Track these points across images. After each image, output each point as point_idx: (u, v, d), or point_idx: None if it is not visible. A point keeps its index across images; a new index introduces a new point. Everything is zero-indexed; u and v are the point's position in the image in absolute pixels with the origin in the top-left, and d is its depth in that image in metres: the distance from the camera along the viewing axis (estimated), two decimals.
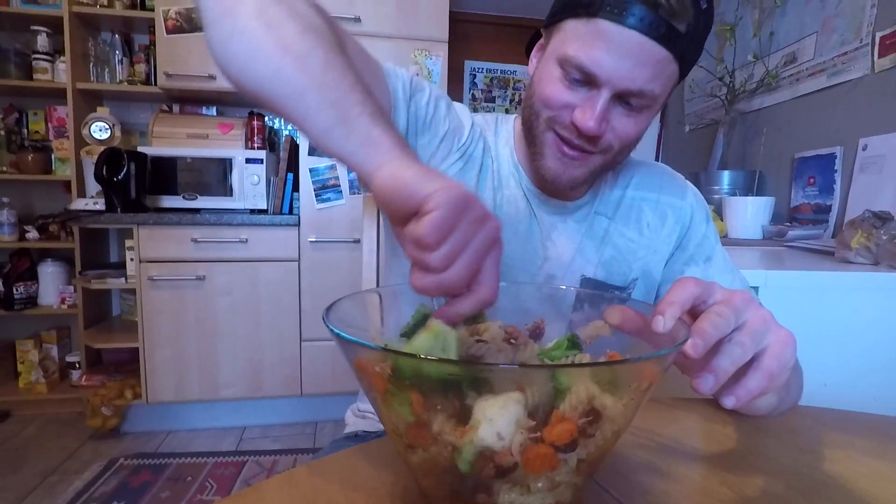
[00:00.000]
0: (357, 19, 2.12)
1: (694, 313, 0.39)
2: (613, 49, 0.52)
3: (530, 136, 0.63)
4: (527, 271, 0.69)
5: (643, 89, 0.54)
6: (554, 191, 0.68)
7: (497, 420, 0.27)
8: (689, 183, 0.75)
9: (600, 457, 0.30)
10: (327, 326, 0.30)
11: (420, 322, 0.38)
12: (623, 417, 0.29)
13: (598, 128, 0.55)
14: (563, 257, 0.69)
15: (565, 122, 0.58)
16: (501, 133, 0.73)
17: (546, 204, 0.69)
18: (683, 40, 0.53)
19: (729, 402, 0.38)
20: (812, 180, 1.61)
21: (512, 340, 0.39)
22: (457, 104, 0.71)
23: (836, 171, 1.52)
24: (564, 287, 0.50)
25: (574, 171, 0.60)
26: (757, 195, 1.69)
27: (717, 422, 0.52)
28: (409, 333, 0.38)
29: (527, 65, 0.67)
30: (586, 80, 0.55)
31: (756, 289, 0.95)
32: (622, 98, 0.56)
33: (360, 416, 0.81)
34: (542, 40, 0.64)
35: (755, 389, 0.38)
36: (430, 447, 0.29)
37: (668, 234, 0.71)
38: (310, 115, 0.41)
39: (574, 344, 0.37)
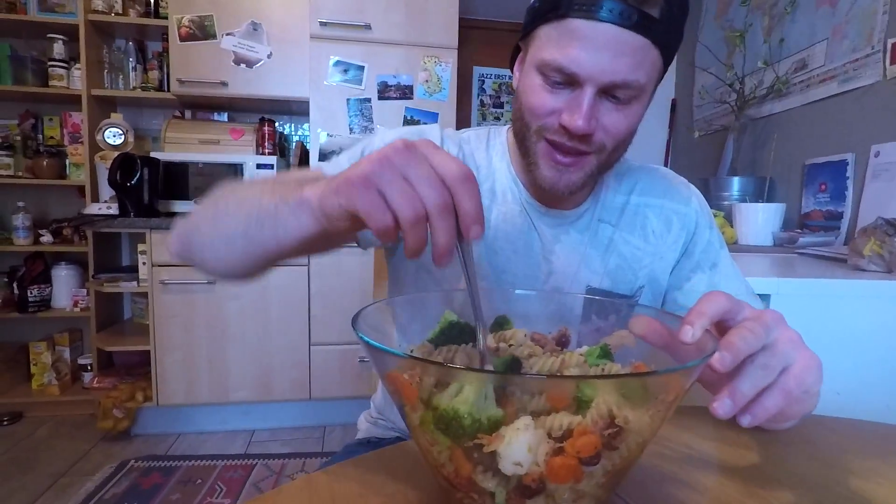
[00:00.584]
0: (367, 26, 2.14)
1: (721, 328, 0.39)
2: (589, 45, 0.52)
3: (523, 147, 0.62)
4: (531, 287, 0.68)
5: (627, 80, 0.53)
6: (553, 200, 0.67)
7: (511, 454, 0.28)
8: (692, 187, 0.75)
9: (625, 468, 0.31)
10: (360, 338, 0.31)
11: (446, 329, 0.39)
12: (649, 429, 0.29)
13: (588, 125, 0.54)
14: (567, 269, 0.68)
15: (555, 128, 0.57)
16: (495, 146, 0.71)
17: (546, 216, 0.68)
18: (659, 25, 0.52)
19: (745, 420, 0.37)
20: (823, 187, 1.60)
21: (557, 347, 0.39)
22: (427, 128, 0.70)
23: (847, 177, 1.51)
24: (576, 294, 0.50)
25: (570, 176, 0.59)
26: (767, 202, 1.68)
27: (730, 430, 0.52)
28: (435, 340, 0.39)
29: None
30: (568, 80, 0.55)
31: (767, 296, 0.94)
32: (608, 92, 0.55)
33: (373, 422, 0.81)
34: (521, 53, 0.64)
35: (771, 409, 0.37)
36: (468, 491, 0.31)
37: (673, 240, 0.70)
38: (261, 238, 0.48)
39: (606, 353, 0.38)
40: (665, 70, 0.58)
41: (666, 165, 2.62)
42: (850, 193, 1.51)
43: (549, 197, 0.67)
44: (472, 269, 0.37)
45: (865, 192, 1.45)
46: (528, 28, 0.59)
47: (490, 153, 0.71)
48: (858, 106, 1.52)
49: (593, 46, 0.52)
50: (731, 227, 1.62)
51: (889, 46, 1.40)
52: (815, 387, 0.39)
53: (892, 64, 1.39)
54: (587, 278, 0.69)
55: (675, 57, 0.59)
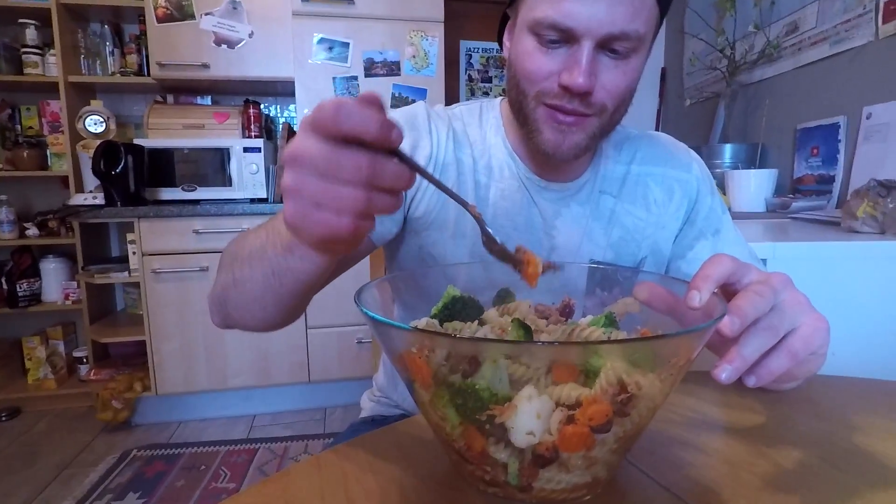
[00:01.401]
0: (351, 1, 2.08)
1: (727, 291, 0.38)
2: None
3: (521, 116, 0.59)
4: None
5: (626, 30, 0.51)
6: (554, 170, 0.66)
7: (521, 424, 0.28)
8: (693, 153, 0.73)
9: (636, 434, 0.31)
10: (365, 314, 0.30)
11: (449, 304, 0.38)
12: (660, 394, 0.29)
13: (589, 82, 0.52)
14: (570, 244, 0.67)
15: (554, 91, 0.55)
16: (488, 120, 0.69)
17: (546, 190, 0.66)
18: None
19: (750, 381, 0.38)
20: (815, 151, 1.60)
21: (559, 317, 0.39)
22: (412, 108, 0.67)
23: (839, 140, 1.51)
24: (580, 264, 0.49)
25: (573, 137, 0.57)
26: (759, 168, 1.68)
27: (735, 392, 0.52)
28: (439, 315, 0.38)
29: None
30: (563, 37, 0.52)
31: (764, 261, 0.95)
32: (605, 46, 0.52)
33: (376, 400, 0.81)
34: (510, 21, 0.61)
35: (776, 370, 0.37)
36: (481, 464, 0.31)
37: (675, 209, 0.69)
38: (283, 289, 0.47)
39: (611, 321, 0.37)
40: (662, 20, 0.56)
41: None
42: (842, 156, 1.51)
43: (549, 167, 0.65)
44: (423, 170, 0.34)
45: (857, 154, 1.45)
46: None
47: (484, 128, 0.68)
48: (850, 67, 1.51)
49: None
50: (724, 194, 1.62)
51: (882, 5, 1.38)
52: (822, 349, 0.39)
53: (884, 23, 1.38)
54: (590, 252, 0.68)
55: (664, 24, 0.57)
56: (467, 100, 3.06)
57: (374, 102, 0.31)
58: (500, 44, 0.65)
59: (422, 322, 0.38)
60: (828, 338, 0.39)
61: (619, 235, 0.68)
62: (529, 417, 0.28)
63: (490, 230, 0.38)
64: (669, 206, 0.69)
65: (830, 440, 0.43)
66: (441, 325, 0.38)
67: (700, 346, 0.30)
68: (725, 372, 0.35)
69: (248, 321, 0.55)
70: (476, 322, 0.38)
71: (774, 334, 0.37)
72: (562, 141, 0.57)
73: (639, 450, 0.40)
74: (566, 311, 0.42)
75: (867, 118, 1.42)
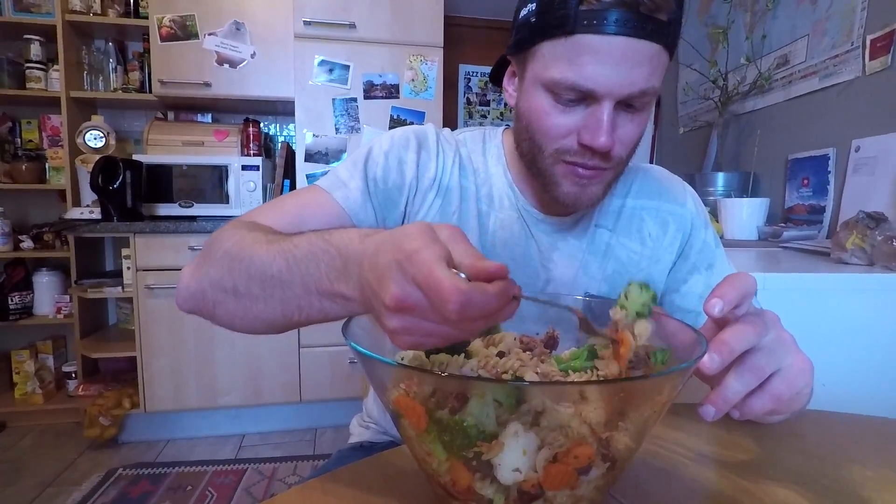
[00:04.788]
0: (352, 25, 2.12)
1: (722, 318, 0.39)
2: (604, 60, 0.50)
3: (535, 168, 0.60)
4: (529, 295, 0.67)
5: (644, 89, 0.52)
6: (559, 208, 0.65)
7: (508, 461, 0.28)
8: (687, 186, 0.74)
9: (620, 471, 0.31)
10: (353, 348, 0.30)
11: None
12: (643, 432, 0.30)
13: (611, 141, 0.53)
14: (565, 277, 0.68)
15: (574, 149, 0.56)
16: (490, 150, 0.70)
17: (543, 223, 0.67)
18: (668, 27, 0.51)
19: (735, 414, 0.38)
20: (806, 181, 1.63)
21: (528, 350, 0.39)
22: (423, 128, 0.68)
23: (829, 171, 1.54)
24: (575, 296, 0.49)
25: (592, 188, 0.58)
26: (751, 196, 1.71)
27: (721, 427, 0.52)
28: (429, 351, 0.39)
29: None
30: (582, 97, 0.53)
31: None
32: (623, 103, 0.53)
33: (365, 426, 0.80)
34: (511, 67, 0.62)
35: (759, 410, 0.38)
36: (466, 499, 0.31)
37: (669, 242, 0.70)
38: (296, 320, 0.44)
39: (593, 354, 0.38)
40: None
41: (651, 161, 2.64)
42: (831, 187, 1.53)
43: (554, 207, 0.65)
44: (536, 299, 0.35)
45: (847, 186, 1.47)
46: (526, 44, 0.56)
47: (486, 157, 0.69)
48: (839, 101, 1.54)
49: (610, 61, 0.50)
50: (717, 221, 1.63)
51: (868, 42, 1.42)
52: (805, 389, 0.39)
53: (871, 60, 1.42)
54: (585, 285, 0.68)
55: None
56: (465, 123, 3.10)
57: (495, 274, 0.32)
58: (496, 82, 0.66)
59: (408, 355, 0.39)
60: (811, 379, 0.40)
61: (614, 268, 0.68)
62: (516, 454, 0.28)
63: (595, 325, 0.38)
64: (664, 239, 0.70)
65: (816, 479, 0.43)
66: (427, 356, 0.38)
67: (680, 386, 0.31)
68: (709, 413, 0.36)
69: (237, 327, 0.51)
70: (462, 355, 0.39)
71: (759, 375, 0.37)
72: (581, 193, 0.58)
73: (623, 483, 0.40)
74: (550, 343, 0.42)
75: (856, 151, 1.45)
